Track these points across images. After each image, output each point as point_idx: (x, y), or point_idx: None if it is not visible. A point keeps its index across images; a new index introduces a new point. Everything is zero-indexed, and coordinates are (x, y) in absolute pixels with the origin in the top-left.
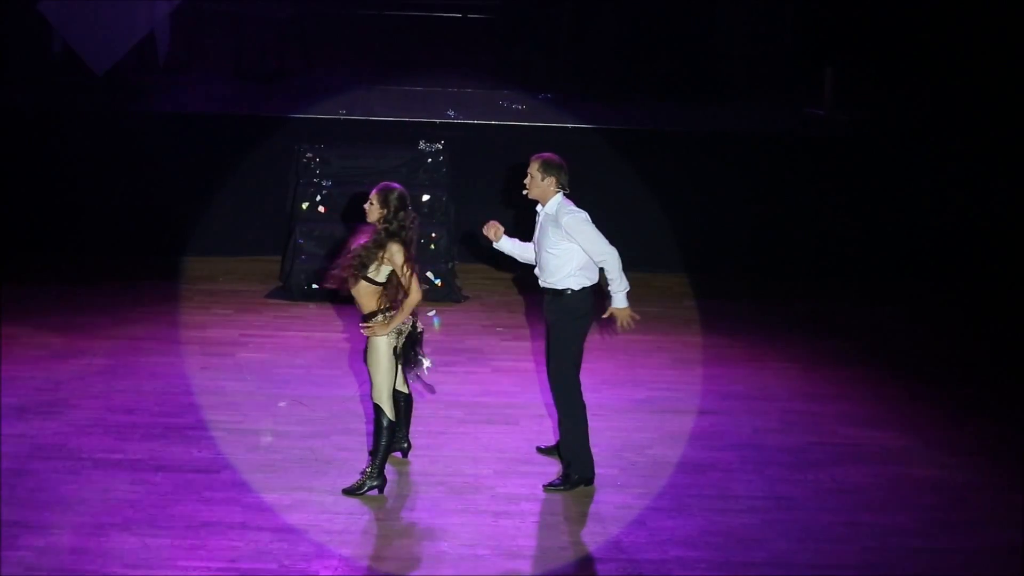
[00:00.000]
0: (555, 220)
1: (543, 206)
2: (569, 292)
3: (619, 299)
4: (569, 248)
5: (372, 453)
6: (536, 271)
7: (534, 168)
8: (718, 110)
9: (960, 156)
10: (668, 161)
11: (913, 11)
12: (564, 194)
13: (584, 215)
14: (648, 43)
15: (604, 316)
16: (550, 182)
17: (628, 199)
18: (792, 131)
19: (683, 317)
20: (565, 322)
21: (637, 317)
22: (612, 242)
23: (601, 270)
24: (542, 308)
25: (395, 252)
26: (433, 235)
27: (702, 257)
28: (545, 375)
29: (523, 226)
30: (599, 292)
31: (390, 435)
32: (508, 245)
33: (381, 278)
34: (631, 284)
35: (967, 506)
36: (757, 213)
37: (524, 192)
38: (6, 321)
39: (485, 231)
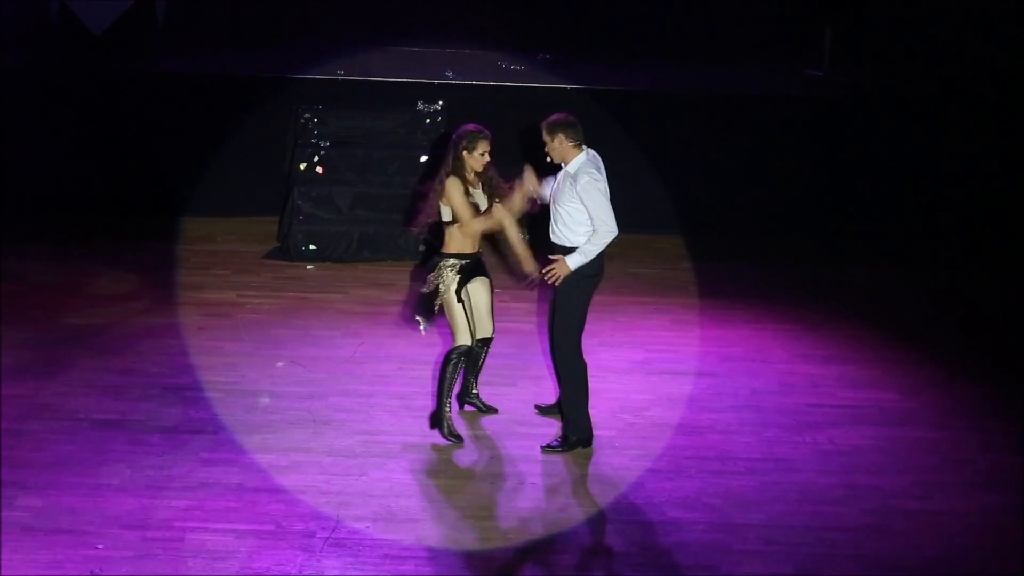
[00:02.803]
0: (574, 178)
1: (565, 165)
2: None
3: (574, 259)
4: (582, 207)
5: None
6: (549, 227)
7: (544, 134)
8: (716, 71)
9: (960, 116)
10: (666, 122)
11: None
12: (588, 151)
13: (602, 183)
14: (647, 4)
15: (551, 257)
16: (561, 140)
17: (626, 160)
18: (791, 92)
19: (681, 279)
20: (573, 281)
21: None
22: (612, 202)
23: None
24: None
25: (450, 188)
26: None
27: (700, 219)
28: (545, 335)
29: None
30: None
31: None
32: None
33: (446, 217)
34: (630, 245)
35: (965, 468)
36: (755, 174)
37: (548, 160)
38: (4, 281)
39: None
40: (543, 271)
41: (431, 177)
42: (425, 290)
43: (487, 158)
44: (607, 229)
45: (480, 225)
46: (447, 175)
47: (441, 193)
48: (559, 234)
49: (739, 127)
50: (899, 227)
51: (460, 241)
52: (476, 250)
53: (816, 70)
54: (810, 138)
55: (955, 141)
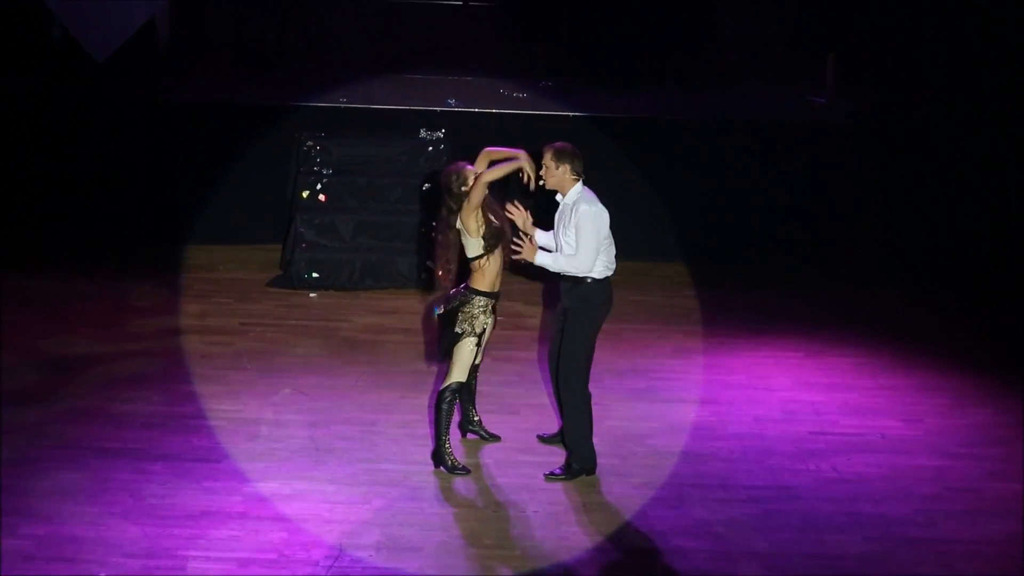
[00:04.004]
0: (573, 208)
1: (563, 196)
2: (589, 280)
3: (543, 257)
4: (584, 240)
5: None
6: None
7: (547, 158)
8: (719, 97)
9: (962, 143)
10: (668, 149)
11: None
12: (583, 183)
13: (597, 213)
14: (649, 30)
15: (529, 237)
16: (564, 170)
17: (628, 187)
18: (794, 118)
19: (684, 306)
20: (583, 311)
21: (523, 259)
22: (613, 230)
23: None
24: (558, 296)
25: (465, 213)
26: (434, 223)
27: (703, 246)
28: (546, 363)
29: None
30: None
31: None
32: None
33: (472, 252)
34: (632, 272)
35: (969, 496)
36: (758, 200)
37: (540, 183)
38: (6, 308)
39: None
40: (518, 248)
41: (439, 225)
42: (459, 331)
43: (477, 171)
44: (582, 265)
45: (491, 175)
46: (453, 213)
47: (457, 225)
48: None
49: (741, 153)
50: (902, 253)
51: (490, 279)
52: (499, 288)
53: (819, 96)
54: (813, 164)
55: (958, 166)
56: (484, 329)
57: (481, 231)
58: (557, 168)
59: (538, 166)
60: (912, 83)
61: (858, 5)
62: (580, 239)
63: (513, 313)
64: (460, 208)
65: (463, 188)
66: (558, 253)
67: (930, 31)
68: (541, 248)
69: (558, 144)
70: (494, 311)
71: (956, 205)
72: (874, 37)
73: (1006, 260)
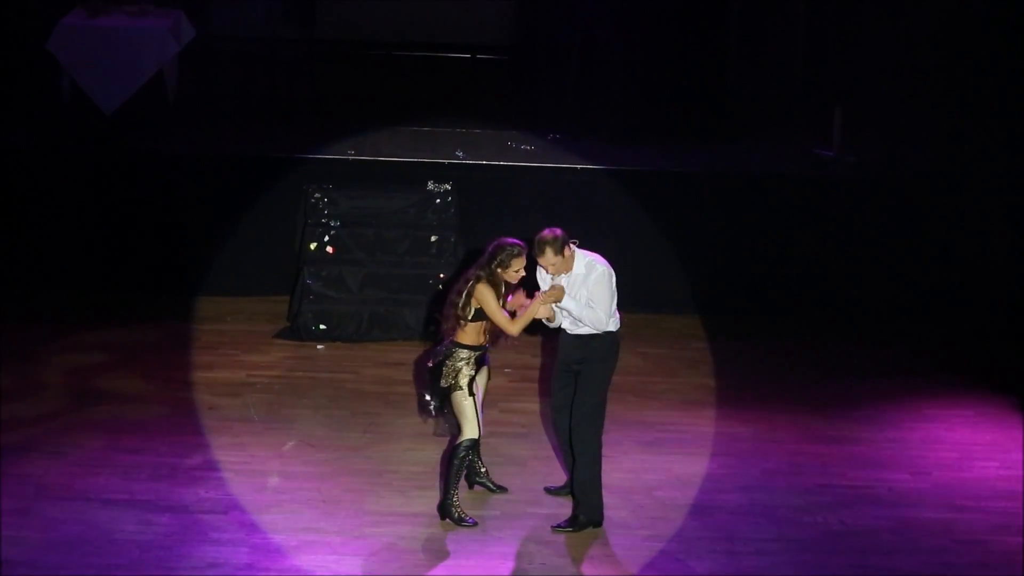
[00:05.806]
0: (586, 275)
1: (567, 273)
2: (604, 334)
3: (569, 302)
4: (601, 297)
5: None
6: (567, 324)
7: (549, 253)
8: (727, 150)
9: (969, 197)
10: (677, 202)
11: (922, 52)
12: (576, 245)
13: (610, 273)
14: (657, 83)
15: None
16: (570, 247)
17: (636, 240)
18: (801, 172)
19: (693, 358)
20: (600, 362)
21: (554, 297)
22: (623, 283)
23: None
24: (559, 350)
25: (484, 294)
26: (441, 276)
27: (711, 298)
28: (551, 416)
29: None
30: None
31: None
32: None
33: (469, 314)
34: (639, 324)
35: (976, 549)
36: (766, 254)
37: (553, 279)
38: (12, 359)
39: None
40: (546, 292)
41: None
42: (444, 384)
43: (523, 274)
44: (599, 320)
45: (520, 327)
46: (478, 281)
47: (471, 295)
48: (587, 327)
49: (750, 206)
50: (911, 306)
51: (475, 335)
52: (486, 342)
53: (826, 150)
54: (820, 217)
55: (965, 218)
56: (470, 380)
57: (474, 308)
58: (562, 255)
59: (530, 266)
60: (919, 136)
61: (865, 59)
62: (598, 297)
63: (519, 365)
64: (481, 279)
65: (501, 271)
66: (582, 308)
67: (936, 84)
68: (582, 338)
69: (544, 233)
70: (479, 363)
71: (962, 258)
72: (881, 90)
73: (1013, 313)
